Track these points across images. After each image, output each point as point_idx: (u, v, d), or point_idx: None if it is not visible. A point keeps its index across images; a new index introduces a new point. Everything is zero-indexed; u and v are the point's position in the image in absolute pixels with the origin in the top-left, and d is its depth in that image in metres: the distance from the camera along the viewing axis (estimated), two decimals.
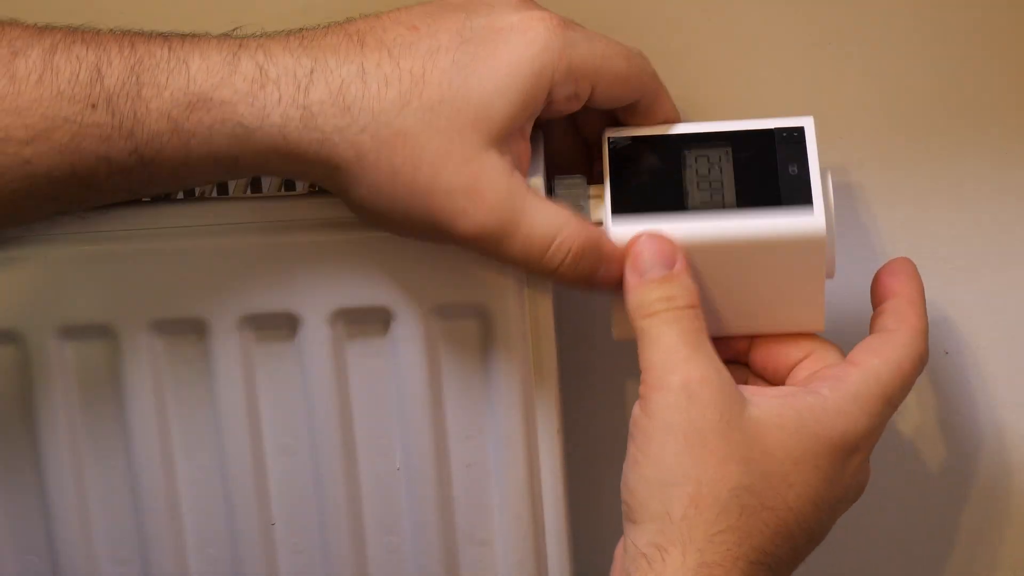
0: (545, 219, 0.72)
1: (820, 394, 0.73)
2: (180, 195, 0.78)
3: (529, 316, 0.77)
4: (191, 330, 0.78)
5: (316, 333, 0.77)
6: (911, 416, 0.87)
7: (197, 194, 0.79)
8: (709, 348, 0.73)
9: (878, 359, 0.74)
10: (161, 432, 0.79)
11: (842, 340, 0.86)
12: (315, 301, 0.77)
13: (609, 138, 0.76)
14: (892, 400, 0.74)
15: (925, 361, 0.75)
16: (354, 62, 0.71)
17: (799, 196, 0.74)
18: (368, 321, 0.77)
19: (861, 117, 0.84)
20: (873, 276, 0.77)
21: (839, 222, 0.83)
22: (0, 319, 0.77)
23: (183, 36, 0.72)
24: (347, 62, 0.71)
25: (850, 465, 0.73)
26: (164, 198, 0.77)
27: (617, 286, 0.74)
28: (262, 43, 0.71)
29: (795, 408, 0.72)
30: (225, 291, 0.77)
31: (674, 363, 0.72)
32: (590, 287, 0.74)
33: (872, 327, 0.77)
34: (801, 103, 0.83)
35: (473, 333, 0.77)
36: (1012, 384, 0.86)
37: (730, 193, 0.74)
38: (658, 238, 0.74)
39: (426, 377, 0.78)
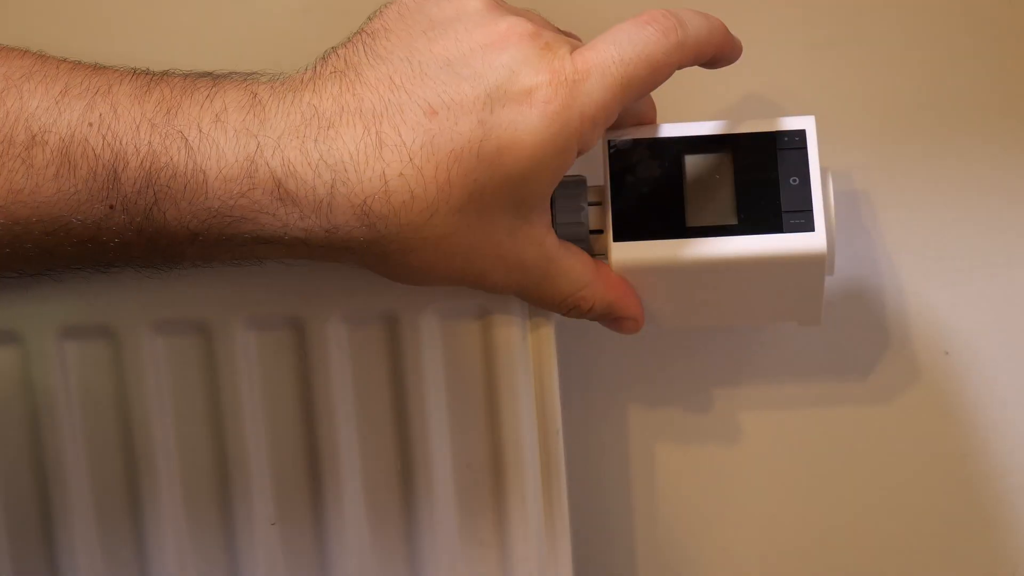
0: (569, 278, 0.74)
1: None
2: None
3: (530, 317, 0.77)
4: (192, 331, 0.78)
5: (317, 334, 0.77)
6: (911, 416, 0.87)
7: None
8: None
9: None
10: (161, 431, 0.79)
11: (841, 338, 0.86)
12: (316, 303, 0.77)
13: (609, 141, 0.76)
14: None
15: None
16: (375, 171, 0.68)
17: (800, 214, 0.74)
18: (370, 322, 0.77)
19: (861, 117, 0.84)
20: None
21: (839, 222, 0.83)
22: (0, 319, 0.77)
23: (199, 116, 0.69)
24: (368, 172, 0.68)
25: None
26: None
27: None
28: (279, 143, 0.68)
29: None
30: (227, 293, 0.77)
31: None
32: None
33: None
34: (801, 103, 0.83)
35: (474, 334, 0.77)
36: (1012, 384, 0.86)
37: (731, 210, 0.74)
38: None
39: (427, 378, 0.78)
